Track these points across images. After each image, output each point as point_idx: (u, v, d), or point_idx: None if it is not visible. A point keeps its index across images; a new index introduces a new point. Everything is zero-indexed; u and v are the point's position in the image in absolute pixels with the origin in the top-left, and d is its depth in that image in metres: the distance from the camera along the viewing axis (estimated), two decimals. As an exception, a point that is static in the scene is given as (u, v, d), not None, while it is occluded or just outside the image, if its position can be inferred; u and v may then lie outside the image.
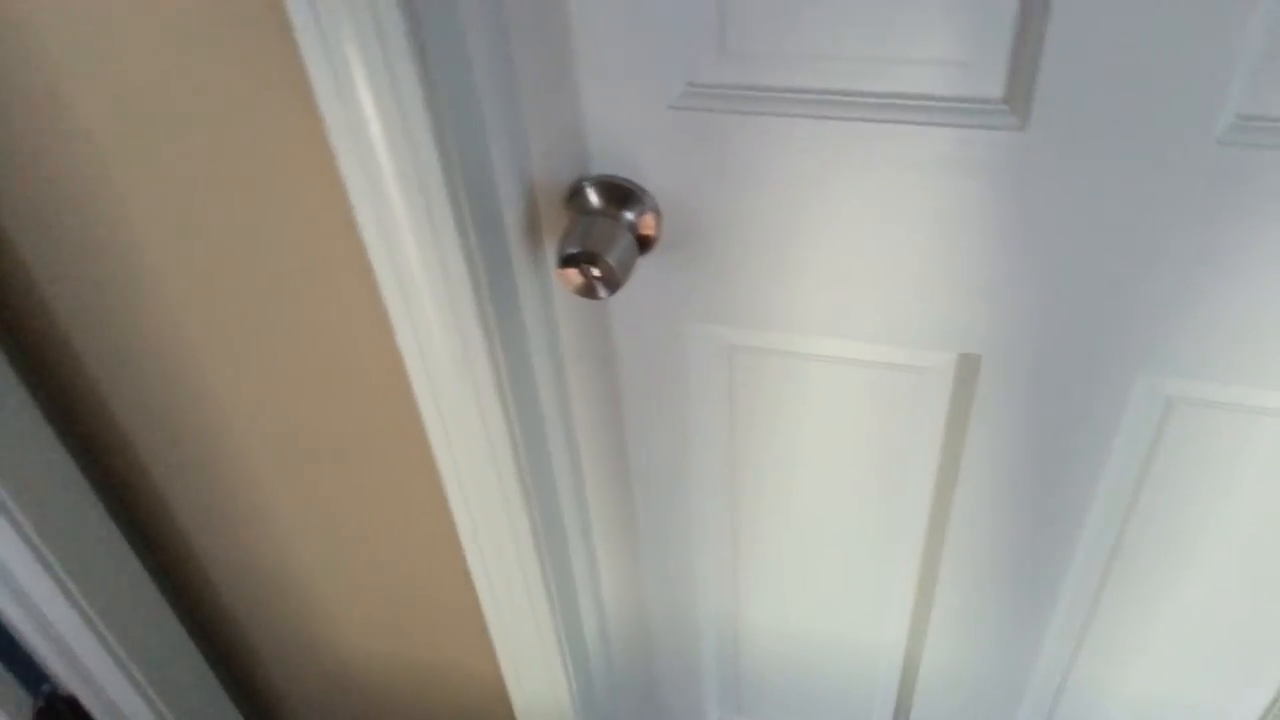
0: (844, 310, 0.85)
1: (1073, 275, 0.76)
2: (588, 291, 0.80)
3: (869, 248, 0.80)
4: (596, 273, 0.79)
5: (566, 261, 0.79)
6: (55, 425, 1.08)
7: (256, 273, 0.87)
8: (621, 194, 0.82)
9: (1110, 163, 0.69)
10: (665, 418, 1.00)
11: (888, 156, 0.73)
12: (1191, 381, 0.81)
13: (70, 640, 1.19)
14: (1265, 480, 0.86)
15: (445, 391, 0.89)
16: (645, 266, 0.87)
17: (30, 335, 1.01)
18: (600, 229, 0.80)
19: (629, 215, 0.82)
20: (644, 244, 0.84)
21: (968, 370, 0.86)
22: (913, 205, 0.76)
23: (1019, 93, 0.68)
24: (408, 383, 0.92)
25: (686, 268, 0.86)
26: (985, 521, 0.98)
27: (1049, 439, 0.88)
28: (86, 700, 1.31)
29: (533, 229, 0.87)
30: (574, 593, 1.19)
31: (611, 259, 0.79)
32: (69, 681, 1.28)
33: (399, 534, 1.11)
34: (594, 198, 0.82)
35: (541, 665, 1.19)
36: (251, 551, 1.22)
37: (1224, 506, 0.90)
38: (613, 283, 0.79)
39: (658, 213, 0.82)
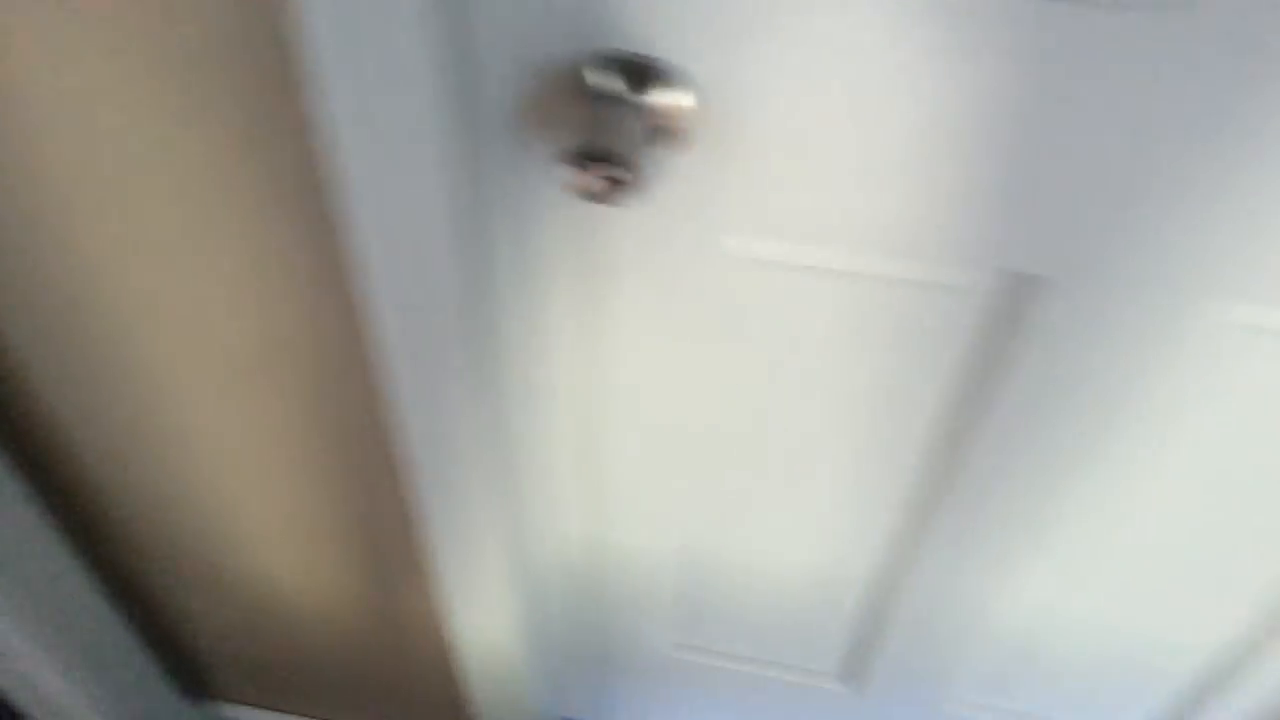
0: (908, 222, 0.72)
1: (1143, 188, 0.66)
2: (602, 196, 0.65)
3: (950, 142, 0.67)
4: (614, 174, 0.64)
5: (576, 159, 0.63)
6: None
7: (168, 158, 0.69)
8: (646, 73, 0.66)
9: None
10: (666, 338, 0.87)
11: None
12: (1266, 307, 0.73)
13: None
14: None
15: (405, 302, 0.73)
16: (668, 167, 0.72)
17: None
18: (619, 119, 0.64)
19: (655, 101, 0.66)
20: (669, 138, 0.68)
21: (1022, 292, 0.76)
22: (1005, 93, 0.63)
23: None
24: (345, 281, 0.75)
25: (722, 169, 0.71)
26: (1007, 453, 0.90)
27: (1108, 368, 0.80)
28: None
29: (532, 119, 0.70)
30: (534, 529, 1.07)
31: (633, 156, 0.63)
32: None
33: (340, 468, 0.96)
34: (611, 79, 0.66)
35: (492, 605, 1.07)
36: (169, 482, 1.05)
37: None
38: (635, 186, 0.64)
39: (691, 99, 0.66)
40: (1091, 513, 0.95)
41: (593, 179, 0.64)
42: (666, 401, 0.93)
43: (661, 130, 0.67)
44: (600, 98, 0.66)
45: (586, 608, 1.30)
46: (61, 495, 1.08)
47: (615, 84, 0.66)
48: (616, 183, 0.64)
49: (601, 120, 0.64)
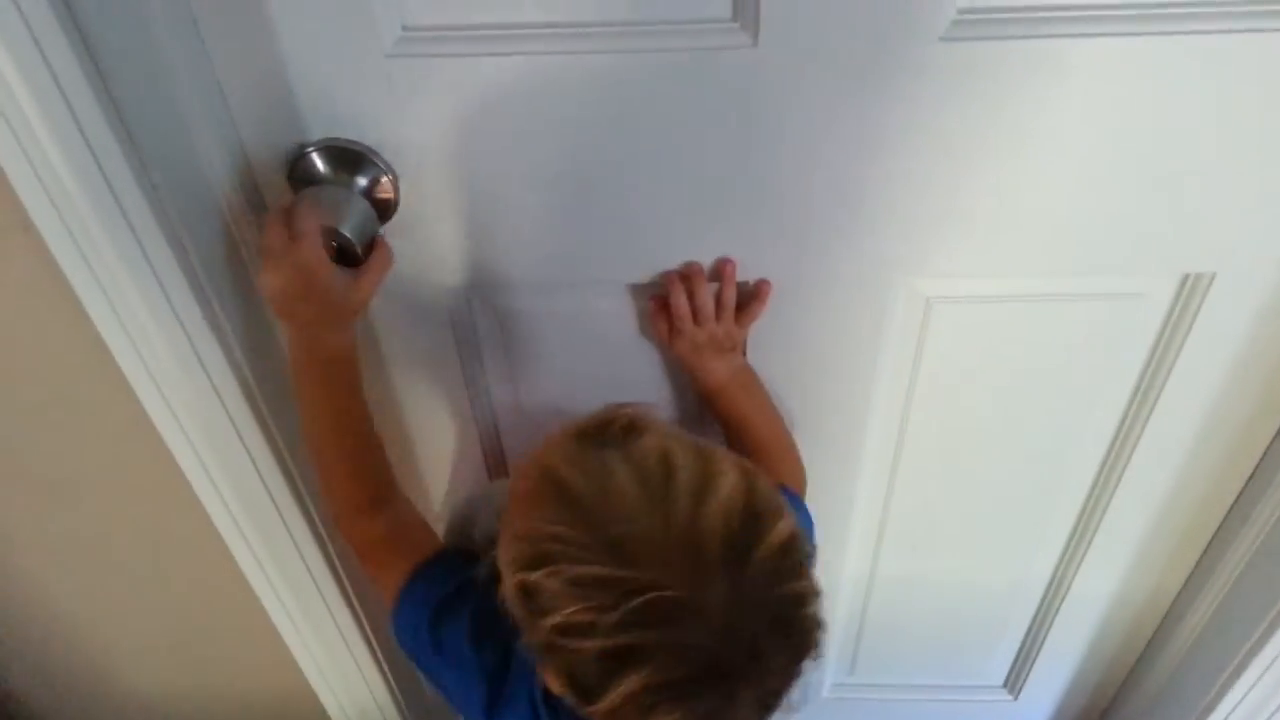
0: (614, 252, 0.81)
1: (819, 187, 0.76)
2: (328, 265, 0.72)
3: (627, 182, 0.76)
4: (333, 245, 0.72)
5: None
6: None
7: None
8: (350, 158, 0.74)
9: (843, 69, 0.68)
10: (442, 393, 0.94)
11: (624, 87, 0.70)
12: (947, 280, 0.84)
13: None
14: (1019, 362, 0.91)
15: (183, 404, 0.79)
16: (390, 233, 0.79)
17: None
18: (330, 199, 0.73)
19: (362, 181, 0.75)
20: (383, 209, 0.77)
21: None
22: (659, 133, 0.73)
23: (746, 9, 0.66)
24: (138, 402, 0.81)
25: (435, 229, 0.80)
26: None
27: (820, 352, 0.89)
28: None
29: (259, 211, 0.78)
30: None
31: (347, 230, 0.72)
32: None
33: (167, 563, 1.01)
34: (320, 166, 0.74)
35: (350, 670, 1.12)
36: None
37: (988, 395, 0.94)
38: (353, 255, 0.73)
39: (393, 174, 0.75)
40: (882, 481, 1.05)
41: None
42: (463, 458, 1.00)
43: (378, 204, 0.75)
44: (314, 183, 0.74)
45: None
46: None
47: (329, 169, 0.74)
48: (337, 252, 0.72)
49: (314, 202, 0.72)
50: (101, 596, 1.06)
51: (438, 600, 0.69)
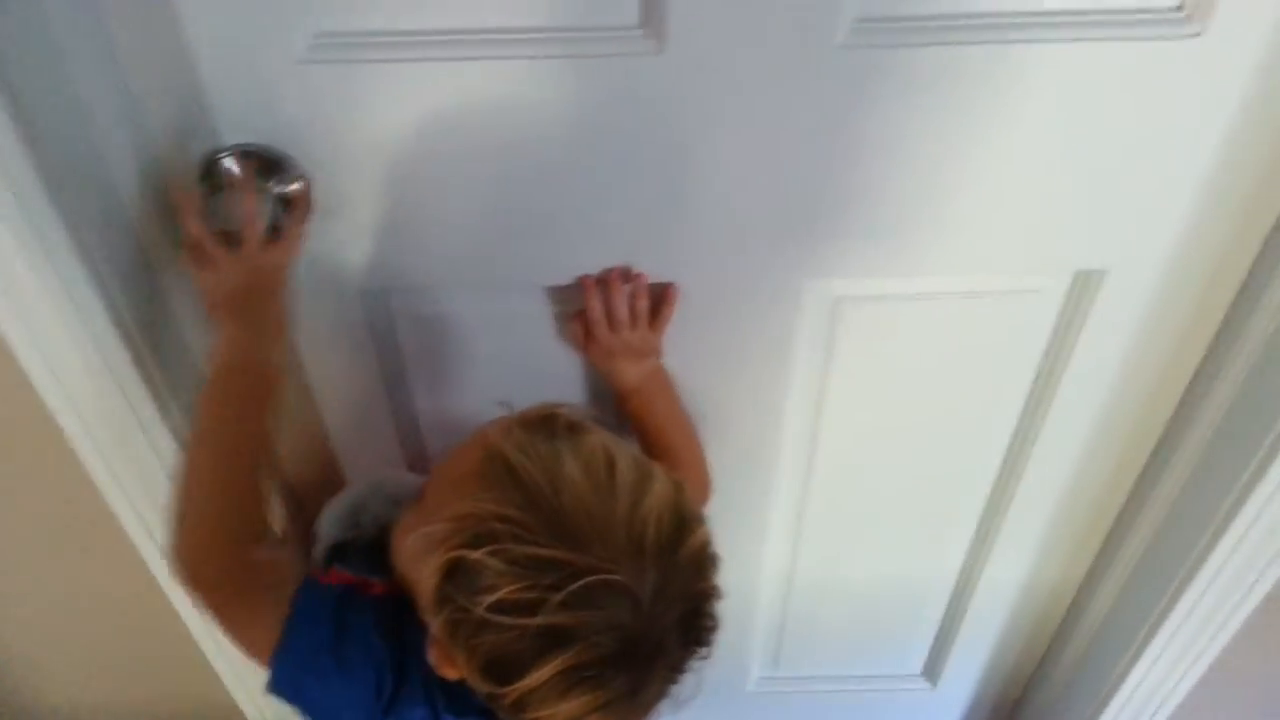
0: (529, 255, 0.83)
1: (725, 191, 0.78)
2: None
3: (540, 186, 0.78)
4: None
5: (204, 241, 0.71)
6: None
7: None
8: (262, 163, 0.74)
9: (746, 77, 0.70)
10: (362, 396, 0.94)
11: (533, 92, 0.71)
12: (853, 280, 0.86)
13: None
14: (925, 358, 0.94)
15: (95, 418, 0.79)
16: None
17: None
18: (238, 204, 0.73)
19: (275, 186, 0.75)
20: (295, 212, 0.77)
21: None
22: (570, 138, 0.74)
23: (654, 17, 0.68)
24: (50, 416, 0.79)
25: (350, 233, 0.80)
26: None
27: (732, 353, 0.92)
28: None
29: (167, 217, 0.77)
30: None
31: (256, 233, 0.72)
32: None
33: (86, 577, 0.99)
34: (232, 170, 0.74)
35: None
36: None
37: (896, 390, 0.97)
38: None
39: (305, 178, 0.75)
40: (798, 479, 1.07)
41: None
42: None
43: (288, 204, 0.76)
44: (227, 188, 0.74)
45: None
46: None
47: (243, 173, 0.74)
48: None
49: (222, 207, 0.72)
50: (22, 612, 1.04)
51: (332, 608, 0.68)
